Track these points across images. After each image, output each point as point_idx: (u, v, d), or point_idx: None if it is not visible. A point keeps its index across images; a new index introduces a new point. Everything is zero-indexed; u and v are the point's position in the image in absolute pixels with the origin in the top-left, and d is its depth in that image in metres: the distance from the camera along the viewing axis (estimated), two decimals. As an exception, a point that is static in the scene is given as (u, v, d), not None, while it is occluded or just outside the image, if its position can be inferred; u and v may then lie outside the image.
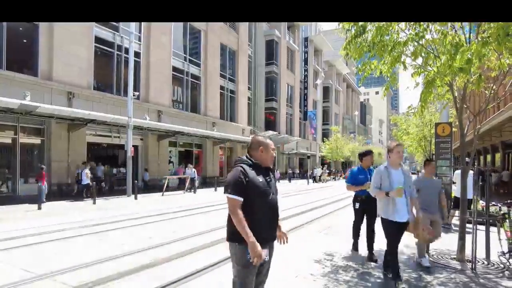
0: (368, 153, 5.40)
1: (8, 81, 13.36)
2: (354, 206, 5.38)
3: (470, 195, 7.11)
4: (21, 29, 14.65)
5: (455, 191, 7.82)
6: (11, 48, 13.90)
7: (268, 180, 2.46)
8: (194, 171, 19.04)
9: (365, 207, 5.13)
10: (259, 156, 2.48)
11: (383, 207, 3.97)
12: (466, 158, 5.34)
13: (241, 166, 2.40)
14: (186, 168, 19.61)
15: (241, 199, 2.30)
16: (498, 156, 22.72)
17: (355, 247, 5.57)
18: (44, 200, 11.52)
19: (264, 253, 2.29)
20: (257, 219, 2.33)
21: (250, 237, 2.23)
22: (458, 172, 7.64)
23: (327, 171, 39.28)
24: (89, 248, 5.67)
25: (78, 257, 5.05)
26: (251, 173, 2.37)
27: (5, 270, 4.45)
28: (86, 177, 13.89)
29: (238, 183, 2.31)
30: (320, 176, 34.40)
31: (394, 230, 3.89)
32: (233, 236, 2.33)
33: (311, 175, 33.93)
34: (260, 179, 2.38)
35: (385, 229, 3.96)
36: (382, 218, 3.99)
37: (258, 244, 2.23)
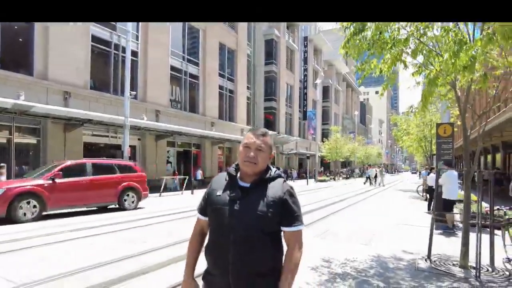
0: None
1: (2, 80, 13.16)
2: None
3: (455, 196, 7.71)
4: (16, 27, 14.44)
5: (444, 193, 7.74)
6: (6, 47, 13.70)
7: (234, 196, 1.59)
8: None
9: None
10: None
11: None
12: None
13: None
14: None
15: (202, 217, 1.74)
16: (498, 156, 22.55)
17: None
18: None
19: None
20: (208, 251, 1.66)
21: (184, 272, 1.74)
22: (447, 173, 7.82)
23: (385, 171, 33.91)
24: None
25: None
26: (218, 183, 1.70)
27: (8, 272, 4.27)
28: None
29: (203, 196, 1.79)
30: (375, 177, 29.56)
31: None
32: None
33: (361, 175, 31.70)
34: (219, 192, 1.64)
35: None
36: None
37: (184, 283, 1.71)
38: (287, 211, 1.60)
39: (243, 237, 1.53)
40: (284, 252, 1.63)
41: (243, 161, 1.63)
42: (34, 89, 14.03)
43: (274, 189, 1.61)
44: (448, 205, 7.70)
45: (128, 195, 11.09)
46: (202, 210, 1.74)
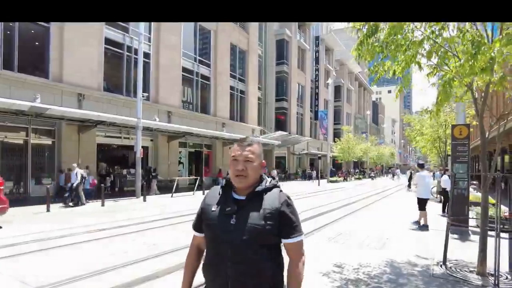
0: None
1: (20, 83, 13.49)
2: None
3: (427, 195, 8.83)
4: (32, 31, 14.77)
5: (417, 192, 8.97)
6: (23, 51, 14.02)
7: (229, 210, 1.54)
8: (79, 173, 11.90)
9: None
10: None
11: None
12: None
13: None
14: (69, 170, 12.61)
15: (198, 234, 1.70)
16: (506, 158, 21.99)
17: None
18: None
19: None
20: (205, 268, 1.61)
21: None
22: (418, 174, 9.08)
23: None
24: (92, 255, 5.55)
25: (83, 265, 4.92)
26: (212, 197, 1.65)
27: (4, 280, 4.34)
28: None
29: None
30: (409, 180, 24.89)
31: None
32: None
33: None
34: (213, 207, 1.59)
35: None
36: None
37: None
38: (285, 222, 1.54)
39: (241, 253, 1.48)
40: (285, 265, 1.58)
41: (234, 176, 1.58)
42: (49, 92, 14.32)
43: (270, 200, 1.55)
44: (421, 203, 8.59)
45: None
46: (197, 226, 1.69)
